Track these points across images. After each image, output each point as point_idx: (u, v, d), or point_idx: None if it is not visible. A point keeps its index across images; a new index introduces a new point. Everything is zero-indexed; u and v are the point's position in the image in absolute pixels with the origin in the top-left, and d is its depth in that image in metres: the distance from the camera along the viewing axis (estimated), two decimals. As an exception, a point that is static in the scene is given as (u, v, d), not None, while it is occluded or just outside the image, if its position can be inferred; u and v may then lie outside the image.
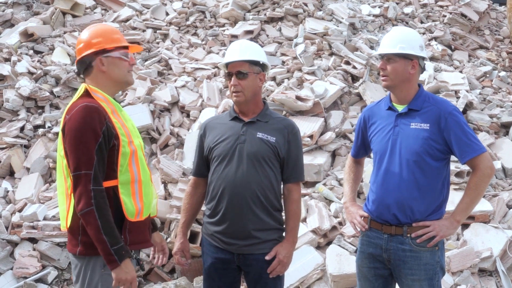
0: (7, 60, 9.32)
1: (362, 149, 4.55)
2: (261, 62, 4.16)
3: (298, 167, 4.24)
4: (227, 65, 4.21)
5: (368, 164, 6.95)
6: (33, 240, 6.74)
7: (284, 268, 4.18)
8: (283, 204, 4.31)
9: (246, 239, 4.13)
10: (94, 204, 3.51)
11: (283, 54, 9.76)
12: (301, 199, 4.32)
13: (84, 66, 3.76)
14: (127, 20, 10.68)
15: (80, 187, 3.52)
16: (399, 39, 4.15)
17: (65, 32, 10.17)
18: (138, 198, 3.76)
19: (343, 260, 6.26)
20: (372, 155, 4.41)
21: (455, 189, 6.86)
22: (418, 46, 4.12)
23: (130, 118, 3.96)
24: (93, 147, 3.54)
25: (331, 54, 9.72)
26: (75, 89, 3.64)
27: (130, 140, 3.72)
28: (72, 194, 3.61)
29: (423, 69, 4.23)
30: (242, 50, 4.18)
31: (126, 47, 3.86)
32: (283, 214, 4.30)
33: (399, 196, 4.07)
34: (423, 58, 4.18)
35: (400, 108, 4.18)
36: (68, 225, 3.68)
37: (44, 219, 6.75)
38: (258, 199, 4.09)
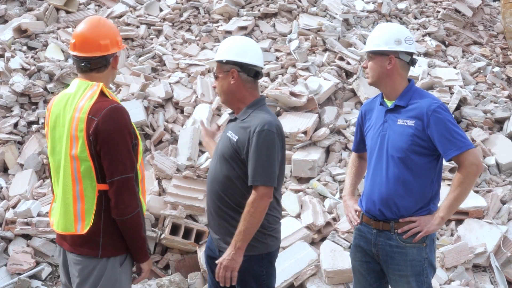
0: (0, 56, 9.29)
1: (361, 144, 4.54)
2: (224, 61, 4.09)
3: (256, 169, 3.92)
4: None
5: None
6: (27, 237, 6.72)
7: (228, 273, 3.96)
8: None
9: (220, 235, 4.15)
10: (138, 205, 3.63)
11: (277, 50, 9.75)
12: (263, 205, 3.95)
13: (104, 62, 3.74)
14: (120, 16, 10.63)
15: (129, 190, 3.58)
16: (374, 37, 4.20)
17: (58, 28, 10.13)
18: (143, 195, 3.84)
19: (337, 256, 6.26)
20: None
21: (448, 184, 6.86)
22: (393, 41, 4.11)
23: None
24: (131, 149, 3.61)
25: (325, 50, 9.72)
26: (69, 85, 3.60)
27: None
28: (97, 197, 3.61)
29: (410, 63, 4.19)
30: (216, 52, 4.22)
31: None
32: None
33: (384, 192, 4.10)
34: (408, 53, 4.14)
35: (390, 103, 4.19)
36: (87, 229, 3.62)
37: (38, 215, 6.74)
38: (221, 197, 4.08)
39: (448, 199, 4.05)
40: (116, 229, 3.67)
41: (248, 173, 3.95)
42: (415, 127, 4.01)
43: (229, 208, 4.07)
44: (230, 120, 4.22)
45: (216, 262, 4.03)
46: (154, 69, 9.47)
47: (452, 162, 6.57)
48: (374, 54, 4.15)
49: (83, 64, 3.73)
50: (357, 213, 4.38)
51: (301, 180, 7.46)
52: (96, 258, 3.66)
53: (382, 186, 4.11)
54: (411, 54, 4.17)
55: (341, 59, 9.37)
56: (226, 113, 8.12)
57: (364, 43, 9.69)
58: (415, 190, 4.06)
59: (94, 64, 3.72)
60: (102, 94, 3.66)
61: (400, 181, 4.05)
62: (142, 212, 3.74)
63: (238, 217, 4.01)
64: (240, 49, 4.15)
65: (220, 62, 4.12)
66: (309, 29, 10.03)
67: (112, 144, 3.53)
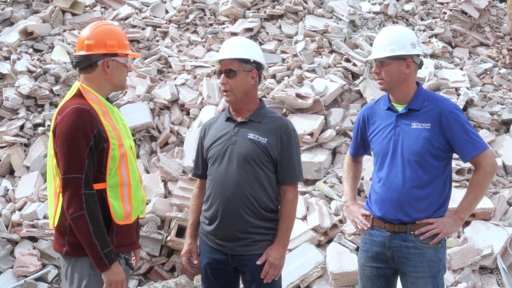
0: (6, 58, 9.32)
1: (361, 148, 4.51)
2: (251, 60, 4.08)
3: (293, 168, 4.11)
4: (220, 63, 4.18)
5: (369, 162, 6.94)
6: (33, 239, 6.73)
7: (277, 271, 4.09)
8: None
9: (236, 240, 4.10)
10: (85, 208, 3.51)
11: (283, 52, 9.75)
12: (297, 200, 4.20)
13: (89, 63, 3.70)
14: (126, 18, 10.66)
15: (70, 191, 3.51)
16: (388, 41, 4.10)
17: (64, 31, 10.16)
18: (127, 201, 3.75)
19: (343, 258, 6.25)
20: (372, 153, 4.38)
21: (456, 186, 6.84)
22: (409, 45, 4.07)
23: (122, 117, 3.95)
24: (84, 151, 3.52)
25: (331, 51, 9.71)
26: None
27: (120, 143, 3.70)
28: (60, 194, 3.60)
29: (420, 66, 4.18)
30: (232, 48, 4.12)
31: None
32: None
33: (402, 197, 4.05)
34: (419, 55, 4.13)
35: (400, 108, 4.14)
36: (55, 224, 3.67)
37: (44, 217, 6.74)
38: (248, 200, 4.04)
39: (467, 200, 4.07)
40: None
41: (285, 172, 4.11)
42: (431, 130, 4.00)
43: (253, 211, 4.06)
44: (242, 123, 4.15)
45: (262, 272, 4.06)
46: (160, 71, 9.47)
47: (459, 163, 6.56)
48: (391, 59, 4.07)
49: (72, 62, 3.80)
50: (364, 217, 4.34)
51: (307, 182, 7.45)
52: (64, 256, 3.68)
53: (399, 191, 4.06)
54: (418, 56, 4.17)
55: (348, 60, 9.35)
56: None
57: (371, 44, 9.69)
58: (431, 193, 4.04)
59: (79, 63, 3.73)
60: (79, 94, 3.67)
61: (417, 184, 4.03)
62: (96, 216, 3.55)
63: (258, 219, 4.08)
64: (259, 52, 4.22)
65: (242, 61, 4.08)
66: (315, 31, 10.02)
67: (62, 143, 3.52)
